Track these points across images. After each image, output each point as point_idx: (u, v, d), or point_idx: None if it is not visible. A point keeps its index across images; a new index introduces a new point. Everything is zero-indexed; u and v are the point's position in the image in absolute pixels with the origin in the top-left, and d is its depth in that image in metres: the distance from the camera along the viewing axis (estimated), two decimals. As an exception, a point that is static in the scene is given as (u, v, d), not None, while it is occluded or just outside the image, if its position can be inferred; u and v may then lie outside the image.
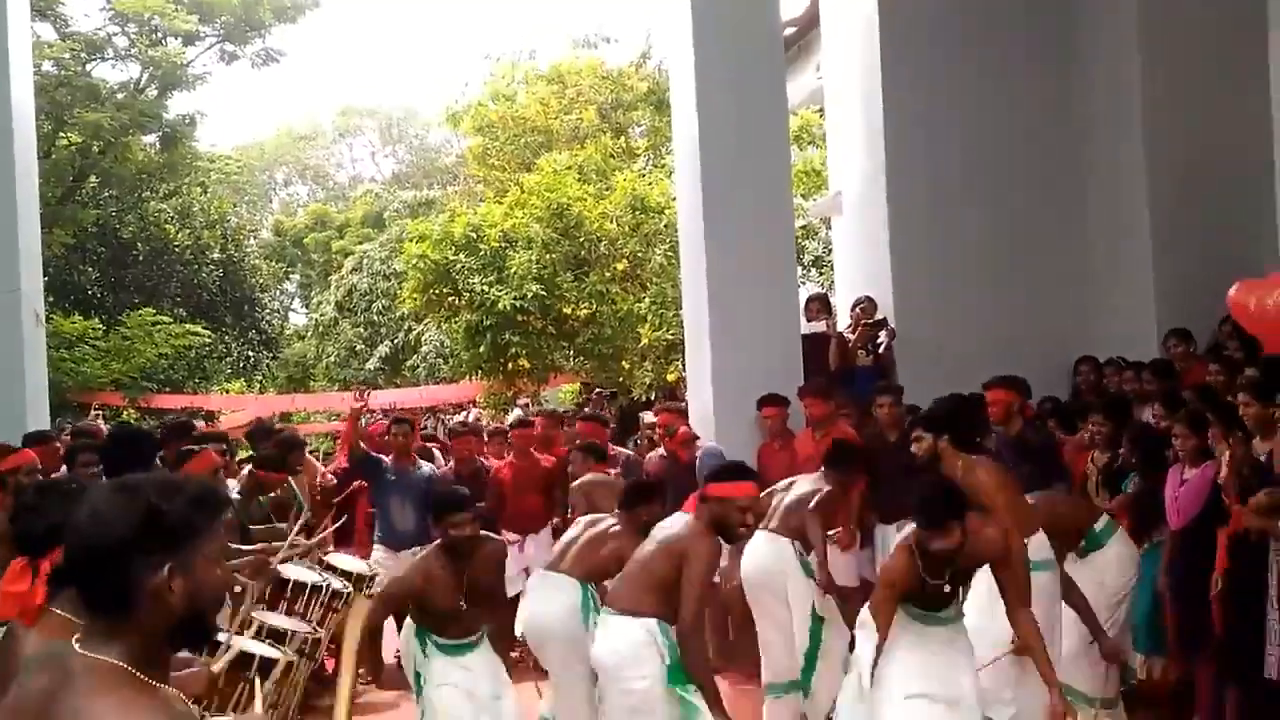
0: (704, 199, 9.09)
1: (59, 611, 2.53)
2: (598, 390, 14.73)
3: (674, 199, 14.00)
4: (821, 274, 15.80)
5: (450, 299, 15.79)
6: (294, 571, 6.70)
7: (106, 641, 1.87)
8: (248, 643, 5.20)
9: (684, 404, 9.61)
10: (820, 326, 9.58)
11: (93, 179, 22.80)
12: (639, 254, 15.47)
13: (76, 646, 1.87)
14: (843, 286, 11.16)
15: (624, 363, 15.62)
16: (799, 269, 12.37)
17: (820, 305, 9.80)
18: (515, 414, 15.00)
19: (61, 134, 21.25)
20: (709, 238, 9.04)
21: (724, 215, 9.03)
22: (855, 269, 10.73)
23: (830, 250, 13.90)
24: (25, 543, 2.81)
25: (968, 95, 9.99)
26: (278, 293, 32.16)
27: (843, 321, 10.08)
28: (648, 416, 10.24)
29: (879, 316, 9.64)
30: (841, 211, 11.10)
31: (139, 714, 1.78)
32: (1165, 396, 7.08)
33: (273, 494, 7.57)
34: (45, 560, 2.66)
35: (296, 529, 7.02)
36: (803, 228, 15.08)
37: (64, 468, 7.39)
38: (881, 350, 9.52)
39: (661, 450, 8.34)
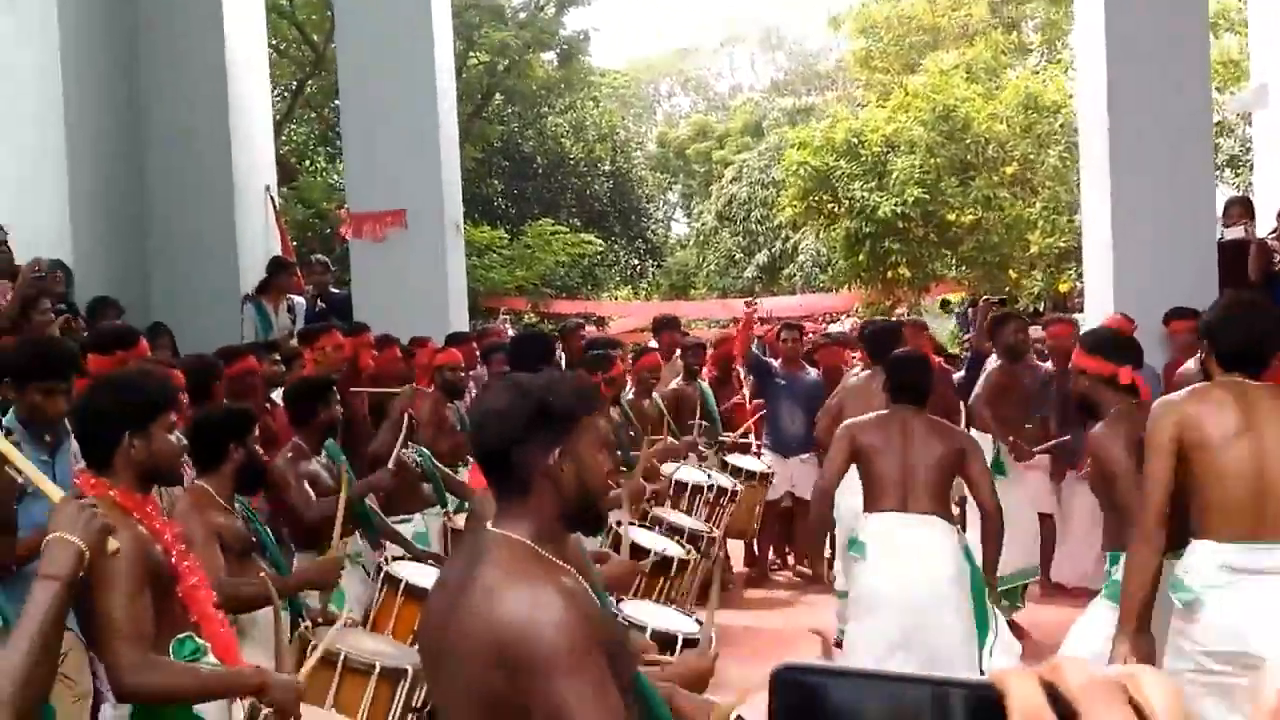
0: (1109, 95, 8.46)
1: None
2: (985, 298, 14.24)
3: (1071, 96, 13.15)
4: (1237, 175, 14.42)
5: (830, 206, 15.77)
6: (684, 472, 7.05)
7: (513, 521, 2.12)
8: (643, 535, 5.55)
9: (1073, 316, 9.11)
10: (1239, 233, 8.73)
11: (498, 96, 24.41)
12: (1030, 156, 14.72)
13: (489, 525, 2.15)
14: (1264, 189, 10.10)
15: (1010, 271, 15.04)
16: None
17: (1241, 209, 8.91)
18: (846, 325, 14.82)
19: (471, 53, 22.82)
20: (1114, 137, 8.43)
21: (1131, 112, 8.37)
22: (1281, 169, 9.66)
23: (1249, 149, 12.59)
24: None
25: None
26: (662, 203, 33.31)
27: (1264, 227, 9.13)
28: (1036, 331, 9.77)
29: (1311, 222, 8.67)
30: (1266, 105, 9.99)
31: (538, 583, 2.00)
32: None
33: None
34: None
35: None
36: (1217, 124, 13.74)
37: (480, 365, 8.16)
38: (1312, 259, 8.57)
39: (1049, 364, 7.94)
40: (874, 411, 5.03)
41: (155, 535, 2.97)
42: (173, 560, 3.00)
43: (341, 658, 3.62)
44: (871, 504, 4.82)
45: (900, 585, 4.64)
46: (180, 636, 3.00)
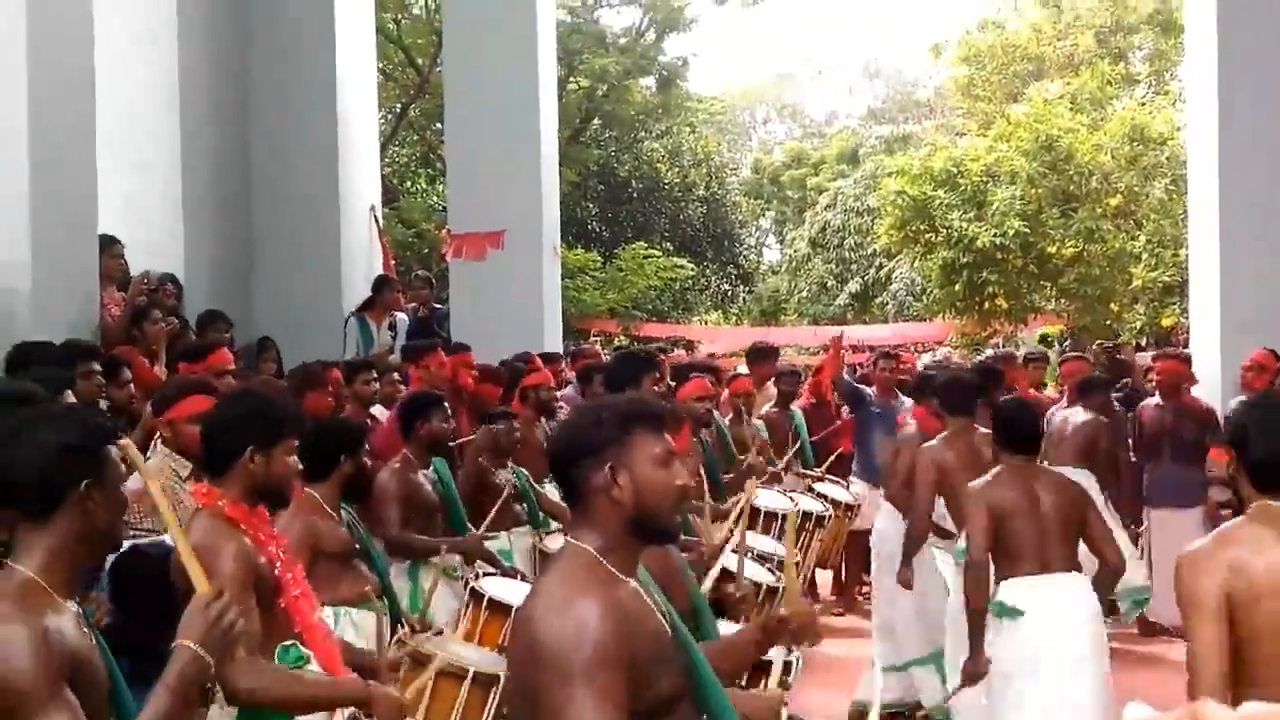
0: (1219, 127, 8.30)
1: None
2: (1099, 342, 13.83)
3: (1178, 129, 12.89)
4: (1356, 211, 13.94)
5: (926, 235, 15.62)
6: (768, 499, 6.98)
7: (583, 532, 2.23)
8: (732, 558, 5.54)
9: (1185, 351, 8.90)
10: (1355, 270, 8.46)
11: (596, 121, 24.65)
12: (1135, 189, 14.42)
13: (566, 536, 2.29)
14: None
15: (1112, 305, 14.72)
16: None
17: (1356, 246, 8.64)
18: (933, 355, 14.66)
19: (571, 79, 23.08)
20: (1223, 169, 8.27)
21: (1241, 144, 8.21)
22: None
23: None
24: None
25: None
26: (754, 228, 33.23)
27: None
28: (1144, 360, 9.58)
29: None
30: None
31: (584, 591, 2.09)
32: None
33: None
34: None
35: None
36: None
37: (571, 386, 8.23)
38: None
39: (1158, 399, 7.79)
40: (989, 471, 4.75)
41: (260, 547, 3.06)
42: (277, 571, 3.10)
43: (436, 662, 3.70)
44: (1011, 568, 4.61)
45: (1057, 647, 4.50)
46: (284, 644, 3.09)
